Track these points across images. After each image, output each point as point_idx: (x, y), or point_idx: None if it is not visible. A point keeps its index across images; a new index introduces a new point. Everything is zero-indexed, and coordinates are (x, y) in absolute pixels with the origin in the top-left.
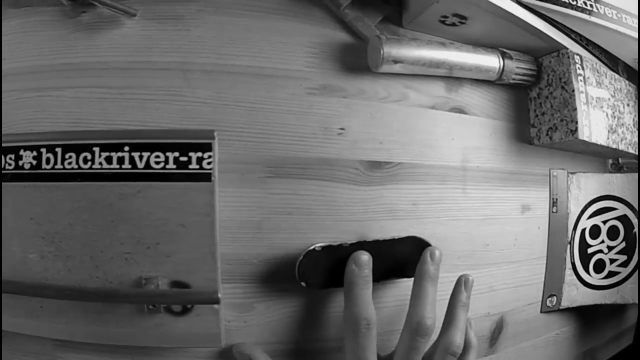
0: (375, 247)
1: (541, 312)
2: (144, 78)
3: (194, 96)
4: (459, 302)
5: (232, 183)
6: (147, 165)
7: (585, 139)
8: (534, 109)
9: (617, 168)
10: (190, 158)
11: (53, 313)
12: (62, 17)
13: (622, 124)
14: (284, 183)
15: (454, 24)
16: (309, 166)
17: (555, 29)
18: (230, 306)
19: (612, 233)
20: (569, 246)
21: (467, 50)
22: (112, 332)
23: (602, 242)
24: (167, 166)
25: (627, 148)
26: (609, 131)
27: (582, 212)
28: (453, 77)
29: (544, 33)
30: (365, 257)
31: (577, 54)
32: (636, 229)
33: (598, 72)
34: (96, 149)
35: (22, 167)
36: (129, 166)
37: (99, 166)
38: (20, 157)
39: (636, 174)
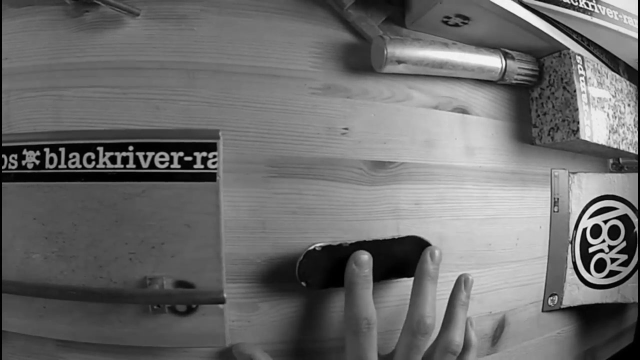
0: (375, 247)
1: (542, 311)
2: (148, 78)
3: (198, 96)
4: (459, 301)
5: (236, 183)
6: (152, 165)
7: (587, 139)
8: (536, 109)
9: (618, 168)
10: (195, 158)
11: (56, 313)
12: (64, 17)
13: (623, 124)
14: (288, 183)
15: (456, 25)
16: (313, 166)
17: (557, 30)
18: (234, 306)
19: (613, 232)
20: (570, 245)
21: (470, 50)
22: (115, 332)
23: (603, 241)
24: (172, 166)
25: (628, 148)
26: (610, 131)
27: (583, 211)
28: (456, 77)
29: (545, 34)
30: (365, 256)
31: (579, 55)
32: (637, 229)
33: (599, 72)
34: (100, 149)
35: (25, 167)
36: (134, 166)
37: (103, 166)
38: (24, 157)
39: (637, 174)
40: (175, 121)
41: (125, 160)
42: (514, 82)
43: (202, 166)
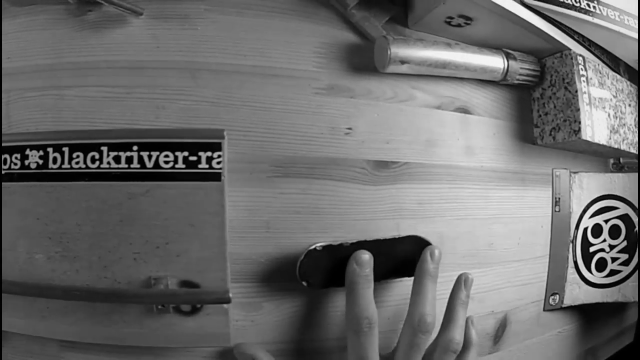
0: (376, 247)
1: (544, 310)
2: (151, 77)
3: (201, 95)
4: (459, 300)
5: (240, 182)
6: (156, 164)
7: (588, 139)
8: (537, 109)
9: (619, 168)
10: (199, 157)
11: (60, 314)
12: (67, 16)
13: (624, 124)
14: (292, 182)
15: (459, 25)
16: (317, 166)
17: (559, 30)
18: (238, 305)
19: (614, 232)
20: (571, 245)
21: (472, 51)
22: (120, 332)
23: (604, 240)
24: (177, 166)
25: (629, 148)
26: (611, 131)
27: (584, 211)
28: (458, 77)
29: (547, 34)
30: (366, 256)
31: (580, 55)
32: (637, 228)
33: (600, 73)
34: (104, 149)
35: (28, 167)
36: (138, 166)
37: (107, 166)
38: (27, 157)
39: (637, 174)
40: (178, 121)
41: (129, 160)
42: (515, 82)
43: (207, 166)
